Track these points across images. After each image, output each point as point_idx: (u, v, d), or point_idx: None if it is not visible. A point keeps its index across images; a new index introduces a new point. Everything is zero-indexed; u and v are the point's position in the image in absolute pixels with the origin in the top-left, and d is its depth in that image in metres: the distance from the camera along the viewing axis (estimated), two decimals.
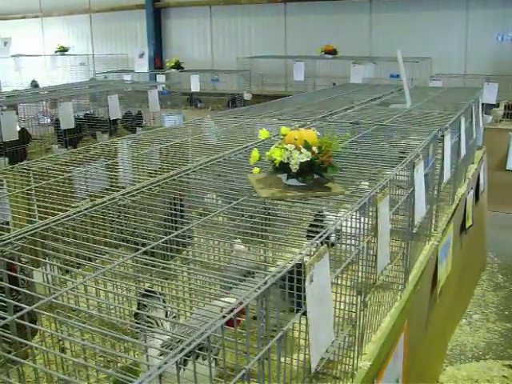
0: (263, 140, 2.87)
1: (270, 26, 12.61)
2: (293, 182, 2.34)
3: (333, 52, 10.62)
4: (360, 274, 2.31)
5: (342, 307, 2.22)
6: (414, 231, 2.99)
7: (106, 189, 2.56)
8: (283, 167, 2.30)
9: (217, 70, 12.83)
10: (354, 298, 2.24)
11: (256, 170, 2.47)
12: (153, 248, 1.86)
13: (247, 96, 10.92)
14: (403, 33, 10.88)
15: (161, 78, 11.18)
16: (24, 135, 6.42)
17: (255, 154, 2.44)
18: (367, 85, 7.57)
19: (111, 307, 2.19)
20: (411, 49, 9.91)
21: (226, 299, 1.76)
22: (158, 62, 14.03)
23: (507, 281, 6.02)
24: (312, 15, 11.95)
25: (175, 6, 14.04)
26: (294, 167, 2.27)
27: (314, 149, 2.28)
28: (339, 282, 2.24)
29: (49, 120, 7.36)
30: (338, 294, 2.17)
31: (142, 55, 10.86)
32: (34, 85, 12.07)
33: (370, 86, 7.21)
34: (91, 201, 2.26)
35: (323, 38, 11.22)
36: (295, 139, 2.30)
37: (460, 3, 10.50)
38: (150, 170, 2.93)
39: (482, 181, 5.79)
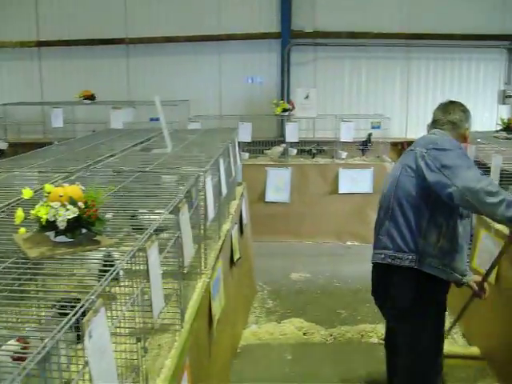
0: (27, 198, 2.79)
1: (23, 71, 12.08)
2: (62, 238, 2.32)
3: (91, 97, 10.51)
4: (137, 320, 2.37)
5: (124, 356, 2.26)
6: (185, 271, 3.14)
7: None
8: (50, 225, 2.28)
9: None
10: (134, 345, 2.29)
11: (22, 230, 2.40)
12: None
13: (3, 145, 10.28)
14: (161, 76, 11.23)
15: None
16: None
17: (20, 213, 2.37)
18: (128, 130, 7.65)
19: None
20: (170, 92, 10.28)
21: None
22: None
23: (277, 305, 6.51)
24: (68, 60, 11.73)
25: None
26: (62, 224, 2.26)
27: (80, 204, 2.30)
28: (118, 331, 2.28)
29: None
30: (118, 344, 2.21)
31: None
32: None
33: (131, 130, 7.30)
34: None
35: (81, 83, 11.08)
36: (60, 196, 2.30)
37: (212, 49, 11.18)
38: None
39: (244, 215, 6.22)
